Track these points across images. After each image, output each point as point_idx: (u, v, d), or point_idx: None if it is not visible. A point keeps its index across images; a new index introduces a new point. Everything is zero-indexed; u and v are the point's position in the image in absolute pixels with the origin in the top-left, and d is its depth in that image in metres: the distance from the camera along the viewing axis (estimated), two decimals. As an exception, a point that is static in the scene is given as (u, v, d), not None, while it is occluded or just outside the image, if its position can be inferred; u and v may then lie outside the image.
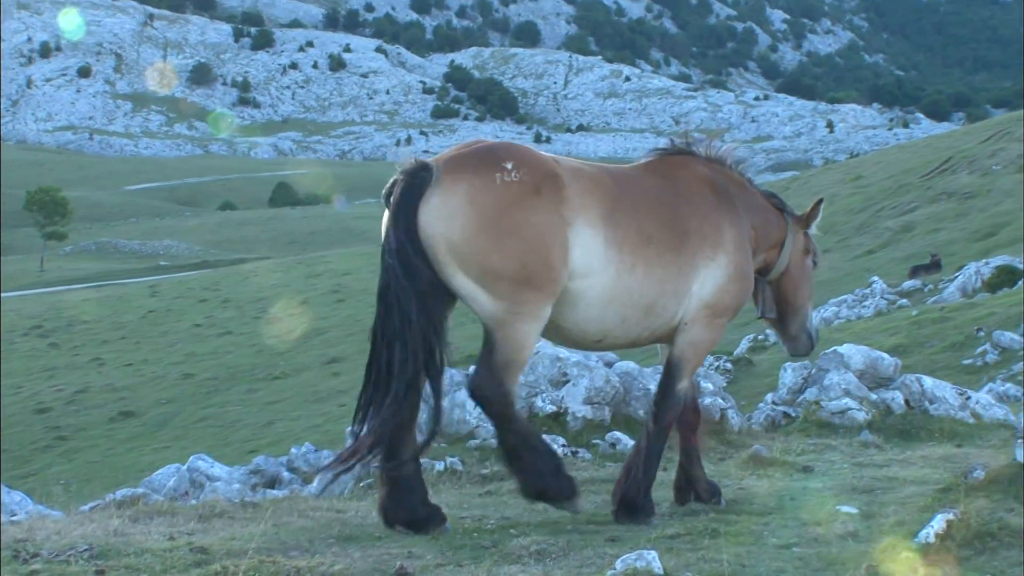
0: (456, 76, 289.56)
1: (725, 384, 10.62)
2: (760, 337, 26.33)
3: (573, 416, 9.59)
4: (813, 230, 7.68)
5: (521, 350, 6.25)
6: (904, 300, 30.91)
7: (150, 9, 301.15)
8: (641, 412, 9.79)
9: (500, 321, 6.15)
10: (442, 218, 6.07)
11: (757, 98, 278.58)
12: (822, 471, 8.22)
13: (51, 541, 5.71)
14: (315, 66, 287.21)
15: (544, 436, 7.38)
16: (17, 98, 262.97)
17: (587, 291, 6.34)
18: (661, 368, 7.32)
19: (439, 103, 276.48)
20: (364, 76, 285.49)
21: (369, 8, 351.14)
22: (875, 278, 34.33)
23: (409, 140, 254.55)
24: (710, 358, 21.24)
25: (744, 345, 26.46)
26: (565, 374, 9.93)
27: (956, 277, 31.36)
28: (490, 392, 6.24)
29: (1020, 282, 27.29)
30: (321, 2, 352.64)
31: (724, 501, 7.07)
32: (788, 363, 11.40)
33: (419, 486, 6.32)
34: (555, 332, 6.54)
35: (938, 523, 5.26)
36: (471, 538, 6.13)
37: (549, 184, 6.23)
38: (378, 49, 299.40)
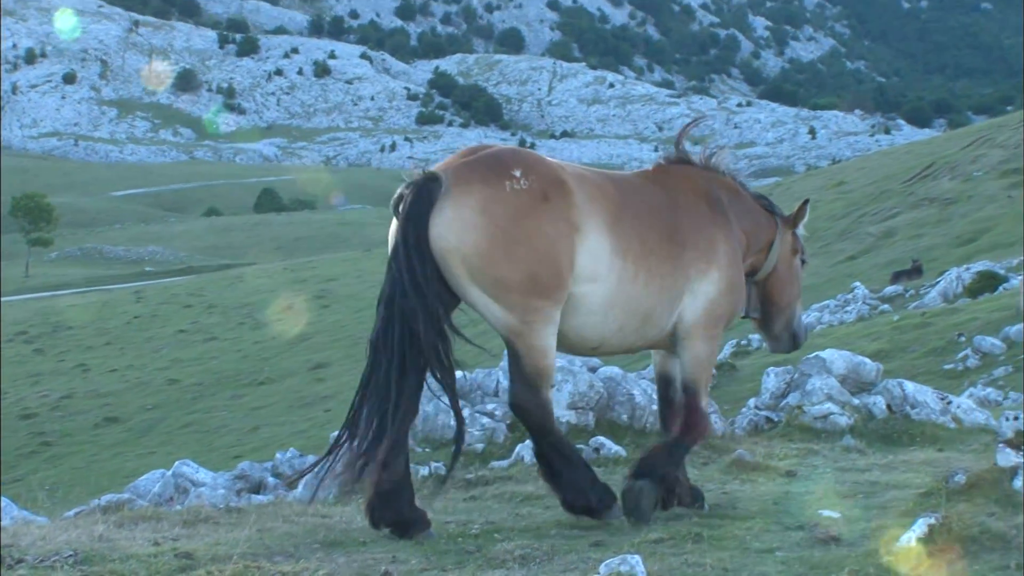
0: (441, 82, 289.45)
1: (708, 389, 10.62)
2: (743, 342, 26.42)
3: (557, 421, 9.59)
4: (801, 230, 7.74)
5: (545, 356, 6.26)
6: (886, 305, 31.03)
7: (135, 16, 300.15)
8: (625, 417, 9.82)
9: (516, 331, 6.17)
10: (455, 230, 6.04)
11: (740, 104, 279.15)
12: (805, 476, 8.25)
13: (36, 547, 5.70)
14: (300, 72, 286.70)
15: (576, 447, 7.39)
16: (2, 105, 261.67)
17: (590, 297, 6.36)
18: (654, 373, 7.40)
19: (424, 109, 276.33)
20: (349, 82, 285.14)
21: (354, 15, 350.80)
22: (857, 284, 34.48)
23: (394, 146, 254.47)
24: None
25: (727, 350, 26.54)
26: (549, 379, 9.92)
27: (937, 282, 31.51)
28: (529, 403, 6.28)
29: (1001, 287, 27.46)
30: (306, 9, 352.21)
31: (707, 506, 7.09)
32: (771, 368, 11.46)
33: (407, 489, 6.33)
34: None
35: (920, 527, 5.29)
36: (455, 543, 6.14)
37: (557, 190, 6.23)
38: (363, 55, 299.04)
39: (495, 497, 7.57)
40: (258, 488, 10.15)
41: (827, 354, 10.95)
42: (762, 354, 23.99)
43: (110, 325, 66.00)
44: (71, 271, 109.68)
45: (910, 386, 10.77)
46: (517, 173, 6.16)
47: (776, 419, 10.42)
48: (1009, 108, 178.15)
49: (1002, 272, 29.49)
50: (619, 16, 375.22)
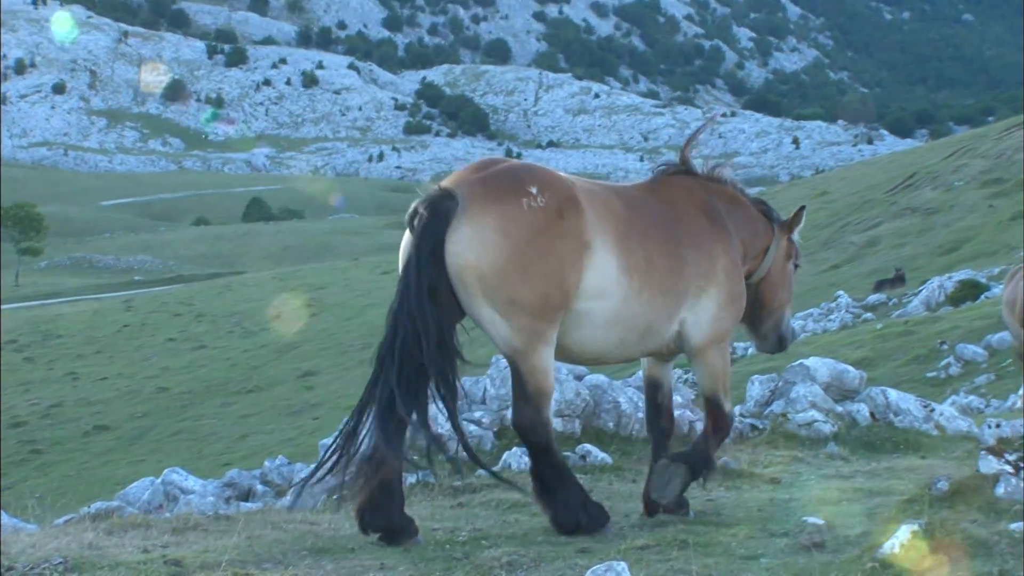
0: (428, 93, 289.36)
1: (693, 397, 10.70)
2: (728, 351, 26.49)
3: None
4: (796, 236, 7.80)
5: (547, 376, 6.31)
6: (869, 314, 31.19)
7: (124, 26, 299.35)
8: (611, 424, 9.88)
9: (521, 352, 6.21)
10: (473, 248, 6.03)
11: (724, 115, 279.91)
12: (789, 483, 8.32)
13: (26, 554, 5.71)
14: (288, 82, 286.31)
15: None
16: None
17: (595, 313, 6.39)
18: (643, 377, 7.50)
19: (411, 119, 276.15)
20: (337, 92, 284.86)
21: (342, 25, 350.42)
22: (841, 292, 34.68)
23: (382, 156, 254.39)
24: (679, 371, 21.35)
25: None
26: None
27: (920, 291, 31.69)
28: (533, 422, 6.32)
29: (983, 296, 27.62)
30: (294, 19, 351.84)
31: (692, 513, 7.14)
32: (755, 376, 11.52)
33: (398, 494, 6.37)
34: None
35: (903, 534, 5.32)
36: (443, 550, 6.17)
37: (571, 208, 6.25)
38: (350, 66, 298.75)
39: (482, 504, 7.60)
40: (247, 495, 10.16)
41: (811, 362, 11.01)
42: (746, 362, 24.09)
43: (100, 334, 65.84)
44: (61, 280, 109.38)
45: (893, 394, 10.84)
46: (533, 190, 6.17)
47: (761, 427, 10.48)
48: (990, 119, 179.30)
49: (984, 281, 29.68)
50: (604, 27, 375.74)
